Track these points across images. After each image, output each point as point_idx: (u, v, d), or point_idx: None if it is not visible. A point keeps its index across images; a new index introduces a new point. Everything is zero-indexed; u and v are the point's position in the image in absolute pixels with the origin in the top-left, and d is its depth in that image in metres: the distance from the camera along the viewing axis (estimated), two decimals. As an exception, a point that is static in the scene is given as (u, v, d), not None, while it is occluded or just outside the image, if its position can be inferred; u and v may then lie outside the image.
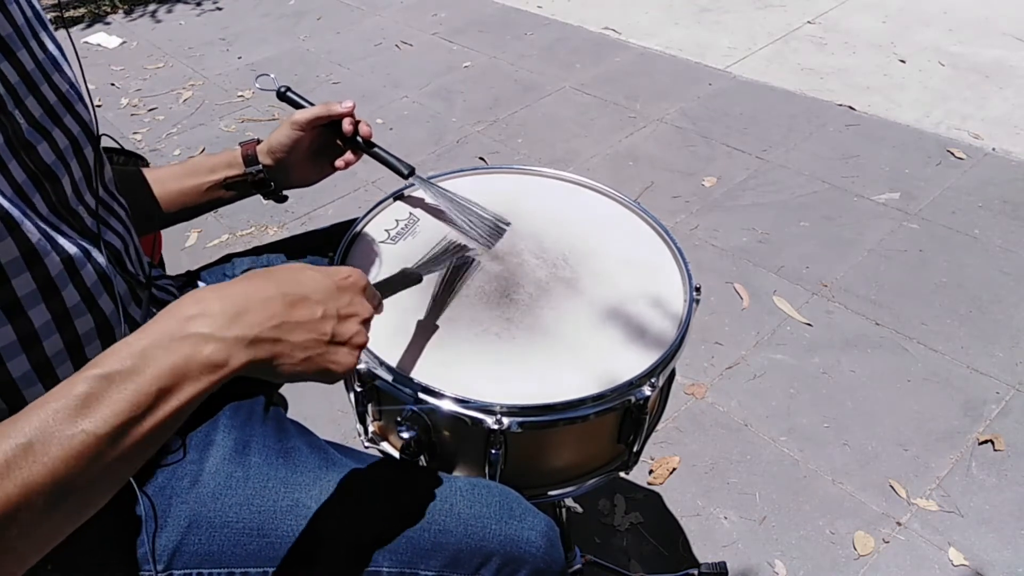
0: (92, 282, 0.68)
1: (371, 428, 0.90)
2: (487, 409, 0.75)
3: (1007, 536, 1.47)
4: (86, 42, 3.78)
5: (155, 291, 0.83)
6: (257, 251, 1.06)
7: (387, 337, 0.84)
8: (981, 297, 2.02)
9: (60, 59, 0.72)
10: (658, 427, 1.07)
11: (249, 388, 0.88)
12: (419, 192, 1.05)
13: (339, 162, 0.97)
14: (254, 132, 2.97)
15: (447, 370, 0.81)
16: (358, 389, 0.83)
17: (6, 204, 0.59)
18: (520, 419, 0.75)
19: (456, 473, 0.85)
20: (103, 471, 0.47)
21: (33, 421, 0.46)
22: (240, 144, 0.97)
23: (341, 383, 0.92)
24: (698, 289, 0.91)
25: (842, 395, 1.78)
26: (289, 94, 1.00)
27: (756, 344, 1.92)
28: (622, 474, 0.93)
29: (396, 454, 0.88)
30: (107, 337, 0.70)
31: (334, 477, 0.77)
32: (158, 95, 3.27)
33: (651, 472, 1.62)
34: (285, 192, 1.02)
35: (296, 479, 0.76)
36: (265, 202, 1.02)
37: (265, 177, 0.96)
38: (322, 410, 1.74)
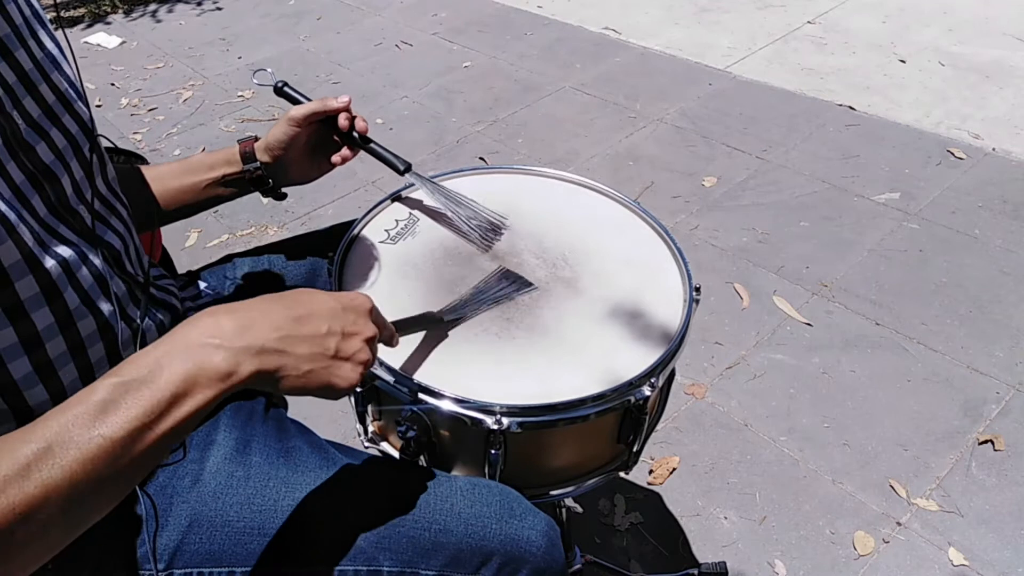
0: (89, 284, 0.68)
1: (371, 428, 0.90)
2: (487, 409, 0.75)
3: (1007, 536, 1.47)
4: (86, 42, 3.78)
5: (154, 291, 0.83)
6: (257, 251, 1.06)
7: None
8: (981, 297, 2.02)
9: (59, 57, 0.72)
10: (658, 427, 1.07)
11: (250, 390, 0.87)
12: (418, 191, 1.05)
13: (336, 158, 0.97)
14: (254, 132, 2.96)
15: (447, 370, 0.81)
16: (358, 389, 0.83)
17: (3, 207, 0.59)
18: (520, 419, 0.75)
19: (456, 473, 0.85)
20: (116, 475, 0.50)
21: (53, 426, 0.48)
22: (238, 141, 0.97)
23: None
24: (698, 289, 0.91)
25: (842, 395, 1.78)
26: (286, 89, 1.00)
27: (756, 344, 1.92)
28: (622, 474, 0.93)
29: (396, 454, 0.88)
30: (109, 338, 0.70)
31: (335, 477, 0.77)
32: (158, 95, 3.27)
33: (651, 472, 1.62)
34: (284, 190, 1.02)
35: (297, 478, 0.76)
36: (265, 200, 1.02)
37: (263, 174, 0.96)
38: (322, 410, 1.74)
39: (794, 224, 2.32)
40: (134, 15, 4.13)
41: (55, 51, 0.72)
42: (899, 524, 1.50)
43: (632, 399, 0.78)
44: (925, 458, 1.63)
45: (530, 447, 0.83)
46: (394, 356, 0.82)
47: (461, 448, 0.83)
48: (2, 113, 0.63)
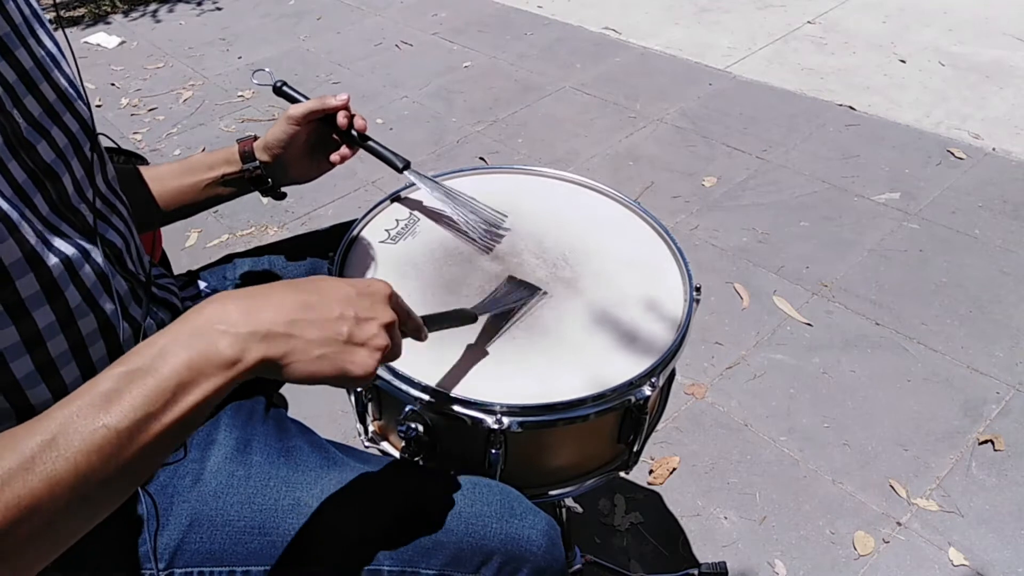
0: (91, 283, 0.68)
1: (371, 428, 0.90)
2: (487, 409, 0.75)
3: (1007, 536, 1.47)
4: (86, 42, 3.78)
5: (156, 290, 0.83)
6: (257, 251, 1.06)
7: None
8: (981, 297, 2.02)
9: (58, 56, 0.72)
10: (658, 427, 1.07)
11: (250, 389, 0.88)
12: (418, 191, 1.05)
13: (335, 157, 0.97)
14: (254, 132, 2.97)
15: (447, 370, 0.81)
16: (358, 389, 0.83)
17: (4, 206, 0.59)
18: (520, 419, 0.75)
19: (456, 473, 0.85)
20: (122, 467, 0.48)
21: (58, 418, 0.47)
22: (237, 141, 0.97)
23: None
24: (698, 289, 0.91)
25: (842, 395, 1.78)
26: (285, 89, 1.00)
27: (756, 344, 1.92)
28: (622, 474, 0.93)
29: (396, 454, 0.88)
30: (110, 337, 0.70)
31: (335, 476, 0.77)
32: (158, 95, 3.27)
33: (651, 472, 1.62)
34: (284, 189, 1.02)
35: (297, 478, 0.76)
36: (264, 200, 1.03)
37: (262, 173, 0.96)
38: (322, 410, 1.74)
39: (794, 224, 2.32)
40: (134, 15, 4.13)
41: (54, 50, 0.72)
42: (899, 524, 1.50)
43: (632, 399, 0.78)
44: (925, 458, 1.63)
45: (530, 447, 0.83)
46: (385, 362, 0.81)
47: (461, 448, 0.83)
48: (2, 112, 0.64)
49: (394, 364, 0.79)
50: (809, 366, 1.85)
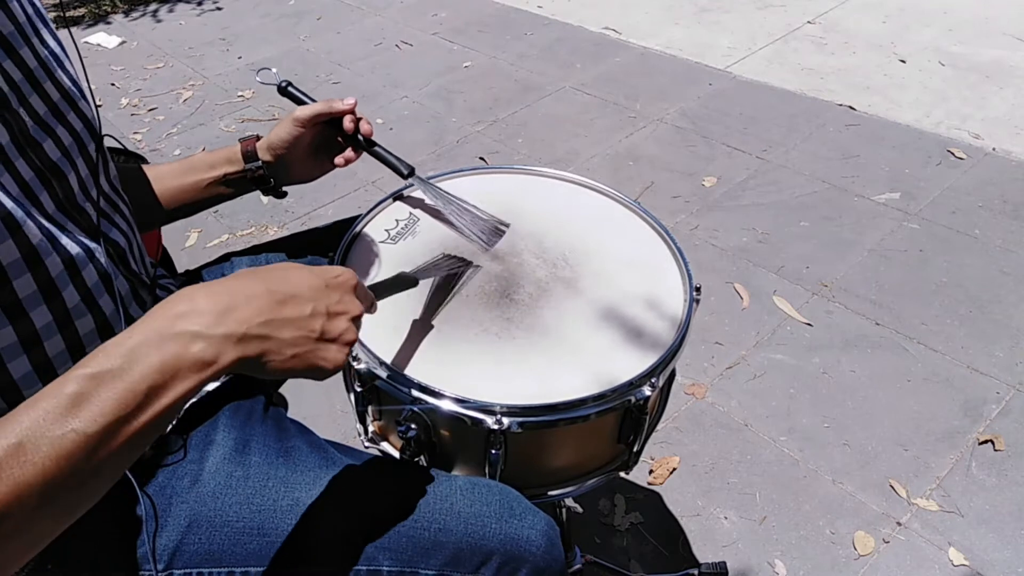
0: (93, 282, 0.68)
1: (371, 428, 0.90)
2: (487, 409, 0.75)
3: (1007, 536, 1.47)
4: (86, 42, 3.78)
5: (158, 290, 0.83)
6: (256, 250, 1.06)
7: (387, 337, 0.84)
8: (981, 297, 2.02)
9: (62, 56, 0.72)
10: (658, 427, 1.07)
11: (249, 388, 0.88)
12: (419, 192, 1.05)
13: (339, 159, 0.97)
14: (255, 132, 2.97)
15: (447, 370, 0.81)
16: (358, 389, 0.82)
17: (9, 204, 0.59)
18: (520, 419, 0.75)
19: (456, 473, 0.85)
20: (94, 470, 0.47)
21: (24, 421, 0.46)
22: (240, 140, 0.97)
23: (341, 383, 0.92)
24: (698, 289, 0.91)
25: (842, 395, 1.78)
26: (290, 89, 1.00)
27: (756, 344, 1.92)
28: (622, 474, 0.93)
29: (396, 454, 0.88)
30: (108, 337, 0.70)
31: (334, 476, 0.76)
32: (158, 95, 3.27)
33: (651, 472, 1.62)
34: (285, 189, 1.02)
35: (296, 478, 0.76)
36: (265, 199, 1.02)
37: (264, 173, 0.96)
38: (322, 410, 1.74)
39: (794, 224, 2.32)
40: (134, 15, 4.13)
41: (58, 50, 0.72)
42: (899, 524, 1.50)
43: (632, 399, 0.78)
44: (925, 458, 1.63)
45: (530, 447, 0.83)
46: (394, 356, 0.82)
47: (461, 448, 0.83)
48: (9, 110, 0.64)
49: (394, 365, 0.79)
50: (809, 366, 1.85)
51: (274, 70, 1.03)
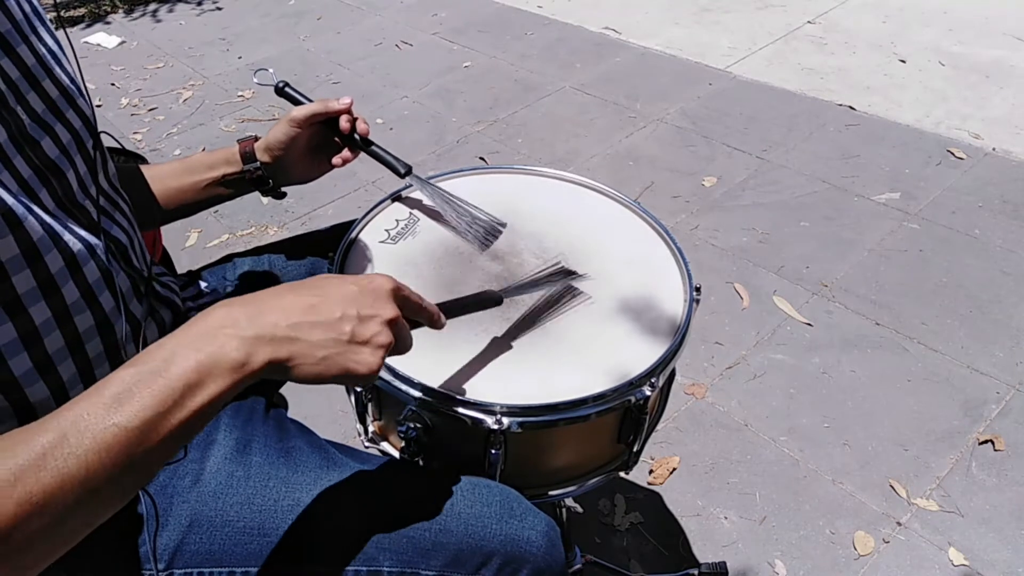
0: (95, 279, 0.68)
1: (371, 428, 0.90)
2: (487, 409, 0.75)
3: (1007, 536, 1.47)
4: (86, 42, 3.78)
5: (158, 287, 0.83)
6: (257, 251, 1.06)
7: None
8: (981, 297, 2.02)
9: (59, 54, 0.72)
10: (658, 427, 1.07)
11: (250, 389, 0.87)
12: (417, 192, 1.05)
13: (336, 159, 0.97)
14: (254, 132, 2.97)
15: (447, 370, 0.81)
16: (358, 389, 0.83)
17: (10, 200, 0.59)
18: (520, 419, 0.75)
19: (456, 473, 0.85)
20: (132, 464, 0.49)
21: (68, 416, 0.48)
22: (238, 141, 0.97)
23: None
24: (698, 289, 0.91)
25: (842, 395, 1.78)
26: (287, 90, 1.00)
27: (756, 344, 1.92)
28: (622, 474, 0.93)
29: (396, 454, 0.88)
30: (107, 334, 0.70)
31: (335, 477, 0.77)
32: (158, 95, 3.27)
33: (651, 472, 1.62)
34: (284, 189, 1.02)
35: (297, 478, 0.76)
36: (264, 200, 1.03)
37: (263, 174, 0.96)
38: (322, 410, 1.74)
39: (794, 224, 2.32)
40: (134, 15, 4.13)
41: (55, 48, 0.72)
42: (899, 524, 1.50)
43: (632, 399, 0.78)
44: (925, 458, 1.63)
45: (530, 447, 0.83)
46: (394, 356, 0.81)
47: (461, 448, 0.83)
48: (6, 108, 0.64)
49: (394, 364, 0.79)
50: (809, 366, 1.85)
51: (271, 71, 1.03)
